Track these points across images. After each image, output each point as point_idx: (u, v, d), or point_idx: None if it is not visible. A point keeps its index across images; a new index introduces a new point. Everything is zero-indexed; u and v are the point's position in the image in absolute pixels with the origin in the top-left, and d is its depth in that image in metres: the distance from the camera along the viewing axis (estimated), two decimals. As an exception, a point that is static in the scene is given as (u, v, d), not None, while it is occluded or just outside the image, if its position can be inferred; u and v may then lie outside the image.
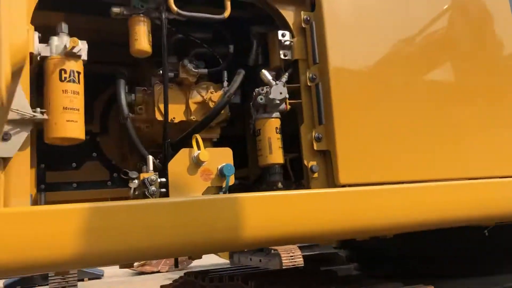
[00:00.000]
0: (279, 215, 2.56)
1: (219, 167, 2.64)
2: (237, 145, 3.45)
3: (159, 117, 3.04)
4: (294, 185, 3.12)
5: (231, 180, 2.66)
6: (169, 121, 3.07)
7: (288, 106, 3.00)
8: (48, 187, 3.37)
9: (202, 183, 2.61)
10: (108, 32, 3.37)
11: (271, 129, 2.93)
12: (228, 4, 2.88)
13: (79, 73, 2.56)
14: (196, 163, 2.60)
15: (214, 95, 3.11)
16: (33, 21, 3.04)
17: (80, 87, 2.56)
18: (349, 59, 2.92)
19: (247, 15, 3.29)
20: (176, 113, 3.11)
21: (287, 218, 2.59)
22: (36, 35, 2.47)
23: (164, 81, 2.81)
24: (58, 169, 3.45)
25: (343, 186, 2.81)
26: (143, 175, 2.61)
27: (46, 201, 3.14)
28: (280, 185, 3.00)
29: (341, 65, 2.89)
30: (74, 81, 2.53)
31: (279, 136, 2.95)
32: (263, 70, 2.95)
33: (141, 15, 2.78)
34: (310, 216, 2.64)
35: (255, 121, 3.01)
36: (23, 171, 2.25)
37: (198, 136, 2.73)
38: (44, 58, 2.52)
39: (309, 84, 2.95)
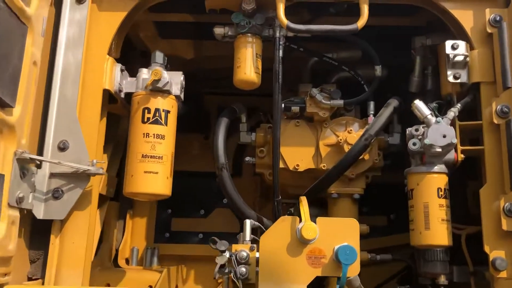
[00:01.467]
0: None
1: (335, 248, 1.77)
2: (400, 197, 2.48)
3: (281, 163, 2.33)
4: (473, 279, 2.00)
5: (353, 271, 1.75)
6: (291, 168, 2.35)
7: (461, 156, 1.95)
8: (172, 237, 2.97)
9: (308, 270, 1.78)
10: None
11: (429, 190, 1.94)
12: (365, 9, 2.01)
13: (167, 112, 2.06)
14: (301, 239, 1.78)
15: (350, 136, 2.26)
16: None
17: (167, 130, 2.04)
18: None
19: (405, 23, 2.34)
20: (302, 158, 2.36)
21: None
22: (118, 68, 2.05)
23: (274, 119, 2.11)
24: (185, 216, 3.03)
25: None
26: (235, 247, 1.93)
27: (159, 257, 2.73)
28: (443, 280, 1.94)
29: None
30: (158, 122, 2.03)
31: (443, 202, 1.92)
32: (415, 101, 1.98)
33: (248, 34, 2.13)
34: None
35: (406, 175, 2.03)
36: (79, 237, 1.83)
37: (304, 199, 1.92)
38: (130, 95, 2.11)
39: (496, 121, 1.87)
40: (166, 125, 2.05)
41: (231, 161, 3.09)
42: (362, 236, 2.10)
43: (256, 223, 2.07)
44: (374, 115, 2.29)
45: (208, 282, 2.66)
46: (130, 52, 2.66)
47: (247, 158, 2.50)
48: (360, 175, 2.35)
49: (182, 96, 2.16)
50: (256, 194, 3.01)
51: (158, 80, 2.00)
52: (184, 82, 2.17)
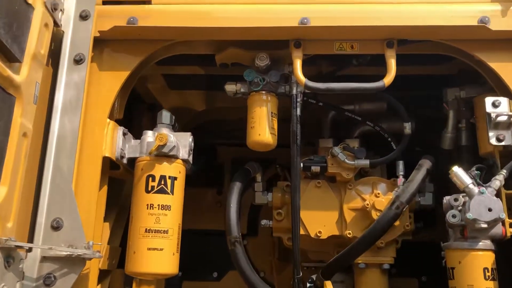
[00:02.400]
0: None
1: None
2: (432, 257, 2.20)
3: (301, 229, 2.09)
4: None
5: None
6: (313, 235, 2.12)
7: (510, 230, 1.69)
8: (182, 303, 2.74)
9: None
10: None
11: (474, 271, 1.69)
12: (392, 64, 1.80)
13: (174, 179, 1.86)
14: (326, 332, 1.55)
15: (378, 200, 2.03)
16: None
17: (173, 199, 1.84)
18: None
19: (434, 72, 2.13)
20: (325, 223, 2.13)
21: None
22: (120, 132, 1.86)
23: (292, 187, 1.88)
24: (196, 279, 2.80)
25: None
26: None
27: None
28: None
29: None
30: (164, 191, 1.82)
31: (491, 285, 1.67)
32: (454, 169, 1.74)
33: (263, 92, 1.94)
34: None
35: (444, 249, 1.78)
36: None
37: (329, 285, 1.67)
38: (133, 160, 1.91)
39: (551, 192, 1.61)
40: (173, 194, 1.85)
41: (245, 219, 2.86)
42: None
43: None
44: (404, 175, 2.06)
45: None
46: (136, 106, 2.49)
47: (263, 222, 2.27)
48: (390, 243, 2.10)
49: (190, 158, 1.96)
50: (273, 256, 2.77)
51: (163, 145, 1.81)
52: (193, 144, 1.97)
